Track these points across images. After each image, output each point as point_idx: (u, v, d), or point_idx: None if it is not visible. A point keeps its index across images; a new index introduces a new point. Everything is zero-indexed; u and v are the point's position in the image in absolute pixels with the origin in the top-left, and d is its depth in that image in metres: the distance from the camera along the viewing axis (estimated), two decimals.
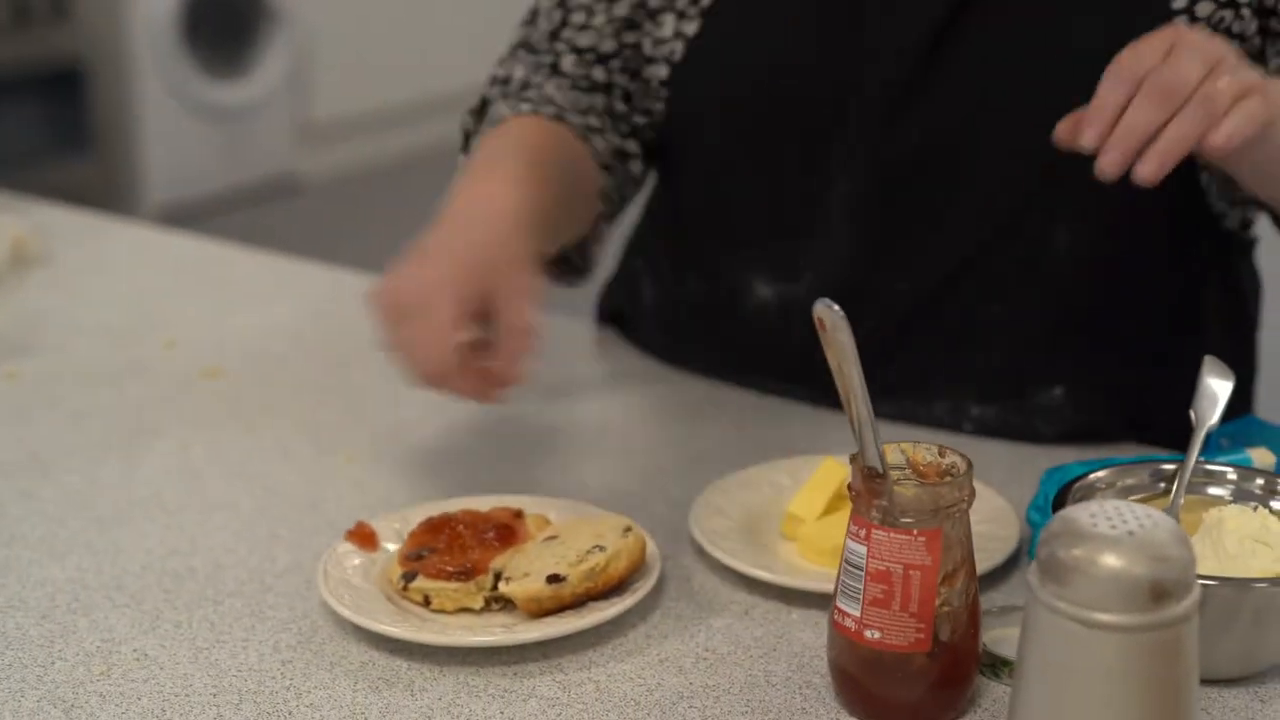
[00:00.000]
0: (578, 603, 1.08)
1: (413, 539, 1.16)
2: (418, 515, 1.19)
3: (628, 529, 1.12)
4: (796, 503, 1.20)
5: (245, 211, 5.12)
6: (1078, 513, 0.90)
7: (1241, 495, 1.13)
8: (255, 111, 5.30)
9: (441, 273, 1.14)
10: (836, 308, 0.94)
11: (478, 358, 1.15)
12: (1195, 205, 1.39)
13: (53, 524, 1.27)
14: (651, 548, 1.15)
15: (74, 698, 1.04)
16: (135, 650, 1.09)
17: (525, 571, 1.09)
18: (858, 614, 0.99)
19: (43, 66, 4.76)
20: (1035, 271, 1.36)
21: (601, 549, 1.10)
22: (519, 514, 1.18)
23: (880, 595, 0.99)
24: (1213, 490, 1.14)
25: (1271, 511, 1.09)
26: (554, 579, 1.07)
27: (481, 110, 1.44)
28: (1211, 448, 1.21)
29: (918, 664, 0.99)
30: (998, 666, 1.05)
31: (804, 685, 1.05)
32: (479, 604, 1.10)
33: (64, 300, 1.78)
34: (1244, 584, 1.01)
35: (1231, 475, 1.14)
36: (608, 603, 1.09)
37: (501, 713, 1.02)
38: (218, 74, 5.16)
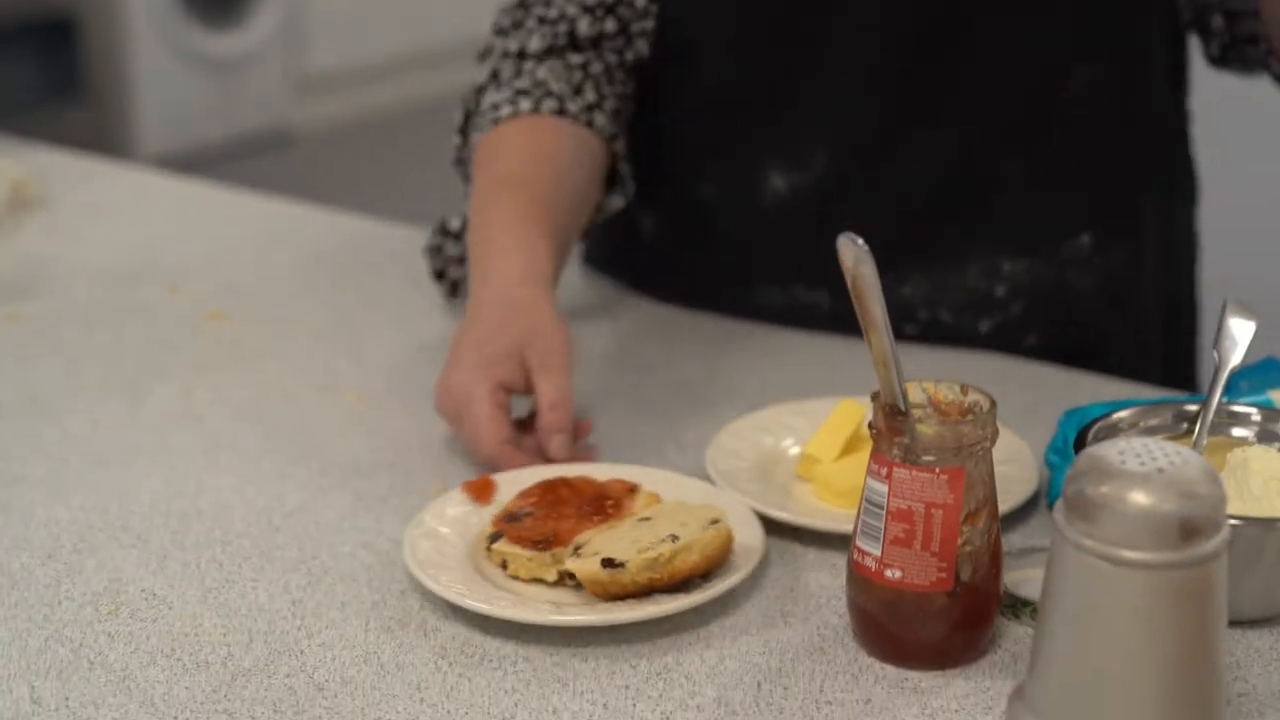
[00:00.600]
0: (641, 591, 1.02)
1: (519, 498, 1.12)
2: (540, 476, 1.15)
3: (714, 521, 1.05)
4: (813, 444, 1.18)
5: (240, 162, 5.08)
6: (1106, 450, 0.88)
7: (1266, 436, 1.12)
8: (249, 62, 5.26)
9: (472, 373, 1.21)
10: (860, 241, 0.92)
11: (532, 431, 1.23)
12: (1179, 63, 1.47)
13: (56, 465, 1.25)
14: (751, 540, 1.07)
15: (82, 637, 1.03)
16: (143, 590, 1.08)
17: (597, 551, 1.04)
18: (878, 553, 0.98)
19: (37, 15, 4.72)
20: (1050, 119, 1.40)
21: (675, 539, 1.03)
22: (633, 489, 1.12)
23: (901, 534, 0.97)
24: (1236, 431, 1.13)
25: None
26: (609, 563, 1.02)
27: (466, 121, 1.46)
28: (1233, 390, 1.19)
29: (939, 604, 0.98)
30: (1018, 607, 1.04)
31: (821, 626, 1.04)
32: (552, 576, 1.05)
33: (64, 243, 1.76)
34: (1270, 524, 1.00)
35: (1256, 416, 1.12)
36: (670, 598, 1.02)
37: (517, 651, 1.01)
38: (212, 24, 5.12)
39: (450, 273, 1.50)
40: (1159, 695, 0.87)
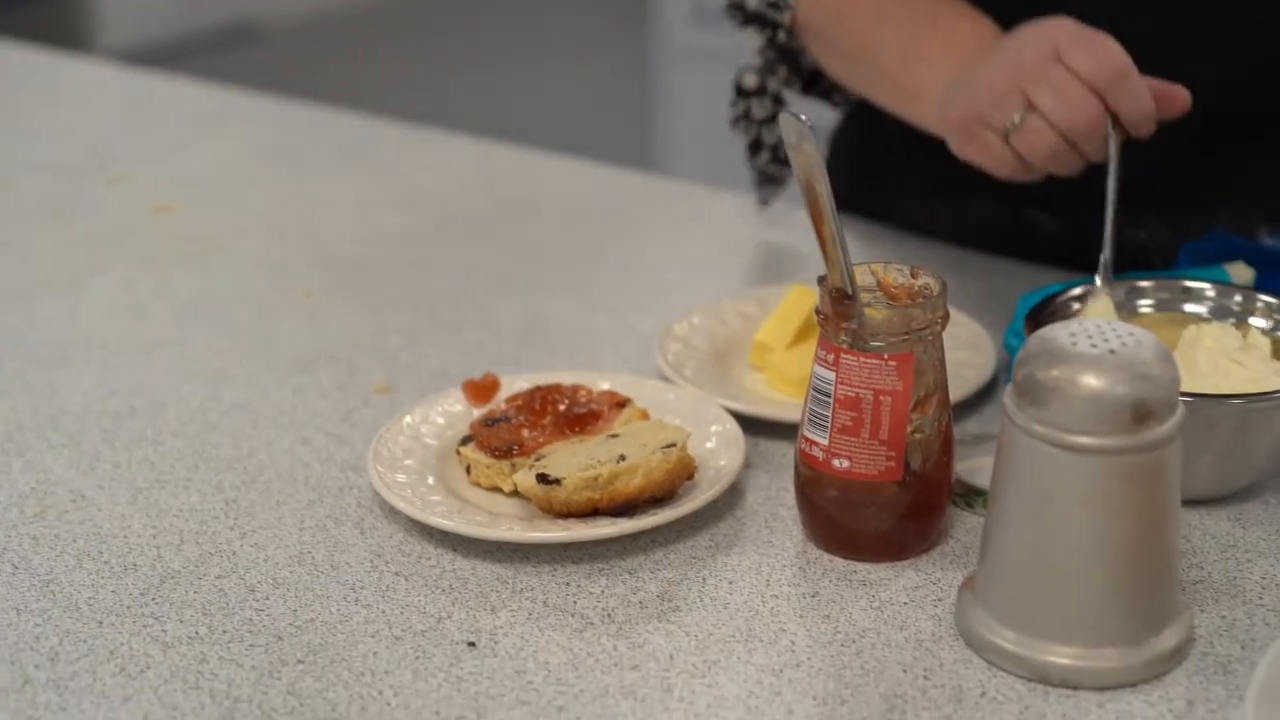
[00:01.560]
0: (585, 511, 0.97)
1: (505, 402, 1.07)
2: (542, 380, 1.10)
3: (670, 445, 0.99)
4: (765, 331, 1.15)
5: (202, 58, 4.99)
6: (1057, 331, 0.85)
7: (1219, 312, 1.08)
8: None
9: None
10: (804, 117, 0.88)
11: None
12: None
13: None
14: (729, 463, 1.01)
15: (5, 540, 0.99)
16: (71, 492, 1.05)
17: (548, 466, 0.99)
18: (825, 443, 0.95)
19: None
20: None
21: (622, 459, 0.98)
22: (622, 404, 1.06)
23: (849, 423, 0.94)
24: (1189, 307, 1.09)
25: (1250, 328, 1.04)
26: (544, 479, 0.97)
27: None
28: (1183, 264, 1.15)
29: (888, 494, 0.95)
30: (970, 497, 1.01)
31: (770, 518, 1.01)
32: (508, 486, 1.01)
33: (11, 138, 1.71)
34: (1222, 401, 0.96)
35: (1210, 292, 1.08)
36: (609, 522, 0.97)
37: (455, 549, 0.98)
38: None
39: (765, 139, 1.38)
40: (1112, 583, 0.84)
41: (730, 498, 1.02)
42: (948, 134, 1.11)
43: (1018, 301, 1.17)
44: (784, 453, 1.07)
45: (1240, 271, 1.11)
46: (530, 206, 1.51)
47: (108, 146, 1.68)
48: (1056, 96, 1.04)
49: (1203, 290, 1.08)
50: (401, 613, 0.92)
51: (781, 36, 1.30)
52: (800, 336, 1.14)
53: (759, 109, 1.36)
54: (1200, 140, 1.22)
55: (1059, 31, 1.06)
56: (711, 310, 1.22)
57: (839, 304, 0.93)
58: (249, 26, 5.31)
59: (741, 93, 1.37)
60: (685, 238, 1.45)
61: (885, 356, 0.93)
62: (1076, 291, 1.08)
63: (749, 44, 1.34)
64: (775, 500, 1.02)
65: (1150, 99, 1.05)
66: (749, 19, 1.32)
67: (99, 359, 1.22)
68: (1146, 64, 1.10)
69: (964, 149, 1.09)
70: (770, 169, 1.40)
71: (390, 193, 1.53)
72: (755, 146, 1.39)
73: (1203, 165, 1.23)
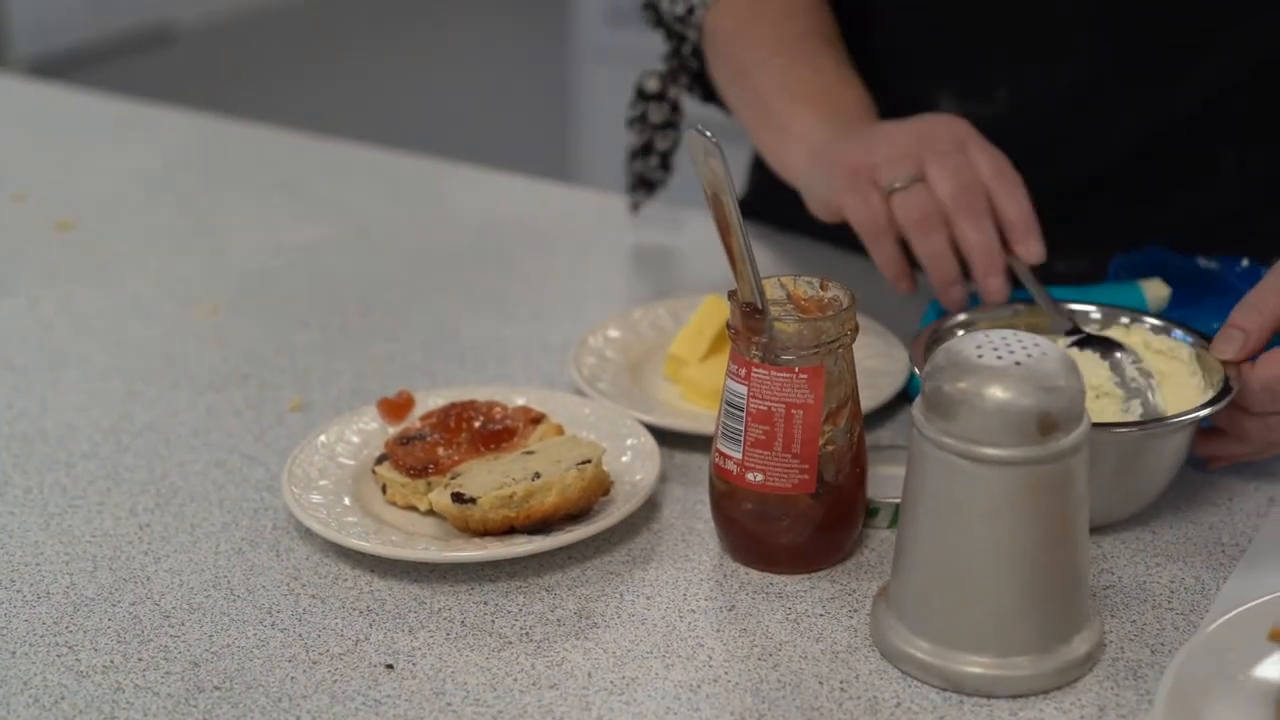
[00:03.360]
0: (501, 529, 0.97)
1: (420, 420, 1.07)
2: (458, 397, 1.10)
3: (585, 461, 0.99)
4: (678, 343, 1.15)
5: (116, 63, 4.93)
6: (963, 344, 0.86)
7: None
8: None
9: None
10: (709, 133, 0.89)
11: None
12: None
13: None
14: (644, 478, 1.02)
15: None
16: None
17: (463, 484, 0.98)
18: (739, 456, 0.95)
19: None
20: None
21: (538, 476, 0.98)
22: (537, 419, 1.06)
23: (762, 436, 0.94)
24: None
25: (1126, 353, 1.03)
26: (458, 498, 0.97)
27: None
28: (1113, 276, 1.17)
29: (802, 506, 0.95)
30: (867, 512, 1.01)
31: (686, 532, 1.01)
32: (424, 505, 1.01)
33: None
34: (1106, 429, 0.95)
35: (1095, 315, 1.09)
36: (524, 540, 0.96)
37: (372, 570, 0.98)
38: None
39: (657, 145, 1.38)
40: (1023, 593, 0.86)
41: (646, 512, 1.03)
42: (824, 178, 1.12)
43: (926, 309, 1.18)
44: (699, 465, 1.08)
45: (1156, 289, 1.12)
46: (440, 217, 1.51)
47: (3, 162, 1.65)
48: (952, 174, 1.07)
49: (1087, 313, 1.07)
50: (319, 636, 0.92)
51: (688, 49, 1.31)
52: (714, 348, 1.15)
53: (656, 114, 1.37)
54: (1123, 181, 1.25)
55: (970, 129, 1.10)
56: (624, 322, 1.22)
57: (749, 318, 0.94)
58: (163, 29, 5.25)
59: (642, 95, 1.37)
60: (596, 247, 1.45)
61: (796, 370, 0.93)
62: (961, 318, 1.07)
63: (660, 47, 1.35)
64: (691, 513, 1.03)
65: (1030, 211, 1.07)
66: (660, 23, 1.33)
67: (5, 379, 1.20)
68: (1077, 110, 1.16)
69: (841, 195, 1.10)
70: (655, 174, 1.41)
71: (297, 205, 1.52)
72: (645, 150, 1.40)
73: (1127, 207, 1.26)
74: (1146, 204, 1.26)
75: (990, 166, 1.08)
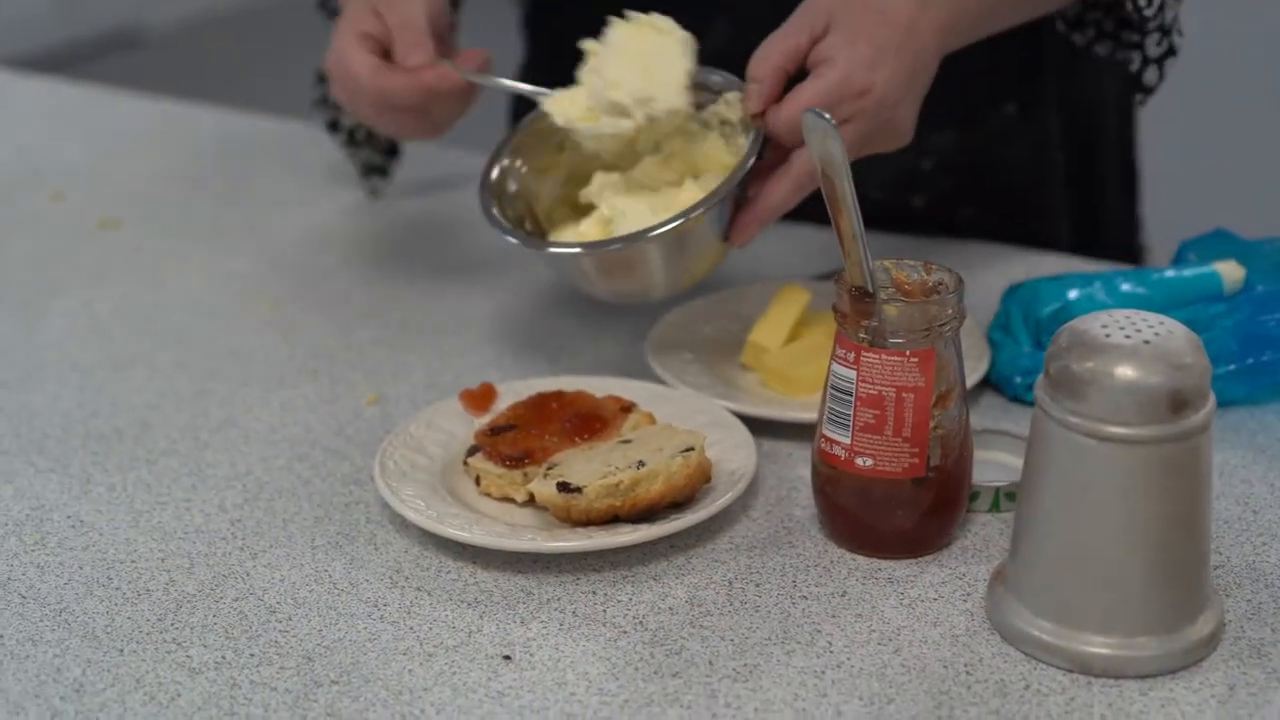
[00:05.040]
0: (604, 518, 0.96)
1: (507, 411, 1.06)
2: (540, 388, 1.09)
3: (689, 449, 0.98)
4: (758, 331, 1.15)
5: (85, 66, 4.89)
6: (1088, 323, 0.86)
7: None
8: None
9: (339, 38, 1.17)
10: (828, 115, 0.88)
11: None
12: None
13: None
14: (741, 466, 1.00)
15: (9, 570, 0.96)
16: (69, 517, 1.02)
17: (564, 473, 0.97)
18: (848, 441, 0.95)
19: None
20: None
21: (641, 465, 0.96)
22: (627, 408, 1.04)
23: (872, 421, 0.94)
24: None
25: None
26: (564, 488, 0.95)
27: None
28: (1180, 262, 1.17)
29: (910, 491, 0.95)
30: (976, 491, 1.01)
31: (785, 519, 1.01)
32: (522, 496, 0.99)
33: None
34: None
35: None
36: (631, 529, 0.95)
37: (474, 561, 0.97)
38: None
39: (344, 120, 1.42)
40: (1150, 573, 0.85)
41: (742, 500, 1.02)
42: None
43: (1001, 296, 1.18)
44: (788, 452, 1.07)
45: (1231, 270, 1.13)
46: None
47: (36, 160, 1.63)
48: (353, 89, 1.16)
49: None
50: (430, 628, 0.91)
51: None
52: (793, 335, 1.14)
53: None
54: None
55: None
56: (695, 312, 1.22)
57: (858, 302, 0.93)
58: (132, 32, 5.21)
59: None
60: None
61: (907, 353, 0.93)
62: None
63: None
64: (788, 500, 1.02)
65: None
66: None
67: (71, 380, 1.19)
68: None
69: None
70: (374, 159, 1.44)
71: (339, 198, 1.50)
72: (333, 127, 1.42)
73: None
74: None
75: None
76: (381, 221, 1.46)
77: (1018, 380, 1.12)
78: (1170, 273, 1.14)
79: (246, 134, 1.67)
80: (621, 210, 1.09)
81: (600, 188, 1.13)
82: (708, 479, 0.99)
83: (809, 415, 1.03)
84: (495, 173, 1.16)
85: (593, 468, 0.98)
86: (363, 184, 1.47)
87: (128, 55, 5.09)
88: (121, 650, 0.89)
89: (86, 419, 1.13)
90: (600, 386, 1.09)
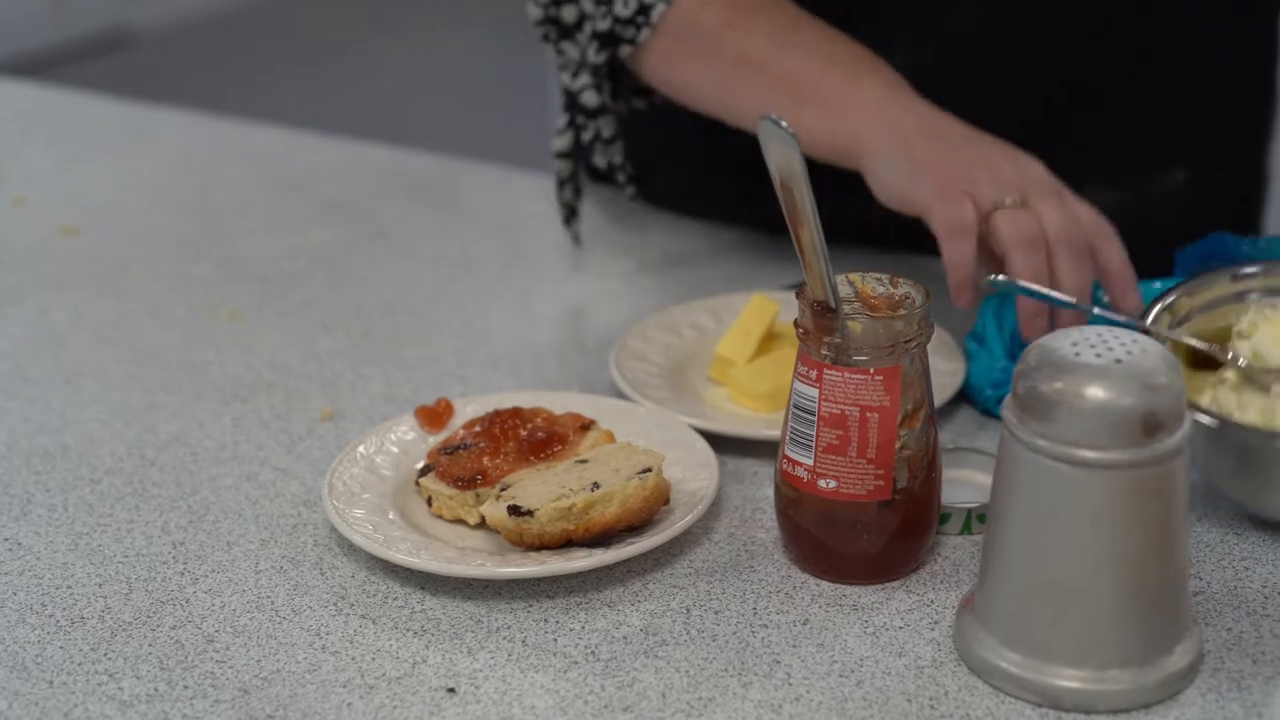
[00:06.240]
0: (558, 542, 0.92)
1: (463, 429, 1.02)
2: (498, 404, 1.05)
3: (646, 470, 0.94)
4: (725, 344, 1.11)
5: (75, 67, 4.85)
6: (1057, 341, 0.82)
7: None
8: None
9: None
10: (784, 123, 0.84)
11: None
12: None
13: None
14: (702, 487, 0.97)
15: None
16: (6, 540, 0.98)
17: (516, 495, 0.94)
18: (810, 463, 0.91)
19: None
20: (1163, 36, 1.27)
21: (596, 487, 0.93)
22: (586, 426, 1.01)
23: (835, 441, 0.90)
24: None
25: None
26: (515, 510, 0.92)
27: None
28: (1178, 271, 1.12)
29: (876, 514, 0.91)
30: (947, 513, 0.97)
31: (748, 541, 0.97)
32: (474, 518, 0.96)
33: None
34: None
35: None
36: (584, 553, 0.92)
37: (423, 587, 0.93)
38: None
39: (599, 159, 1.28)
40: (1124, 602, 0.81)
41: (704, 521, 0.98)
42: (907, 170, 1.08)
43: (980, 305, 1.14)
44: (753, 470, 1.03)
45: None
46: (458, 217, 1.45)
47: (3, 166, 1.59)
48: (1059, 211, 1.07)
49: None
50: (373, 659, 0.87)
51: (625, 51, 1.20)
52: (762, 349, 1.10)
53: (606, 129, 1.26)
54: (1039, 119, 1.26)
55: (1054, 176, 1.10)
56: (664, 322, 1.18)
57: (820, 317, 0.90)
58: (122, 32, 5.18)
59: (587, 113, 1.25)
60: (623, 247, 1.40)
61: (871, 371, 0.89)
62: None
63: (557, 59, 1.24)
64: (751, 522, 0.99)
65: (1130, 265, 1.08)
66: (566, 35, 1.22)
67: (21, 393, 1.15)
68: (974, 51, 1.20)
69: (929, 197, 1.07)
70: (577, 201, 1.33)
71: (307, 206, 1.46)
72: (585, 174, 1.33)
73: (1035, 144, 1.18)
74: (1050, 140, 1.21)
75: (1089, 216, 1.08)
76: (347, 230, 1.42)
77: (989, 393, 1.08)
78: (1157, 284, 1.10)
79: (212, 139, 1.63)
80: None
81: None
82: (666, 501, 0.95)
83: (776, 432, 0.99)
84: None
85: (546, 489, 0.94)
86: (568, 229, 1.34)
87: (118, 57, 5.05)
88: (51, 682, 0.86)
89: (32, 434, 1.10)
90: (562, 402, 1.06)
